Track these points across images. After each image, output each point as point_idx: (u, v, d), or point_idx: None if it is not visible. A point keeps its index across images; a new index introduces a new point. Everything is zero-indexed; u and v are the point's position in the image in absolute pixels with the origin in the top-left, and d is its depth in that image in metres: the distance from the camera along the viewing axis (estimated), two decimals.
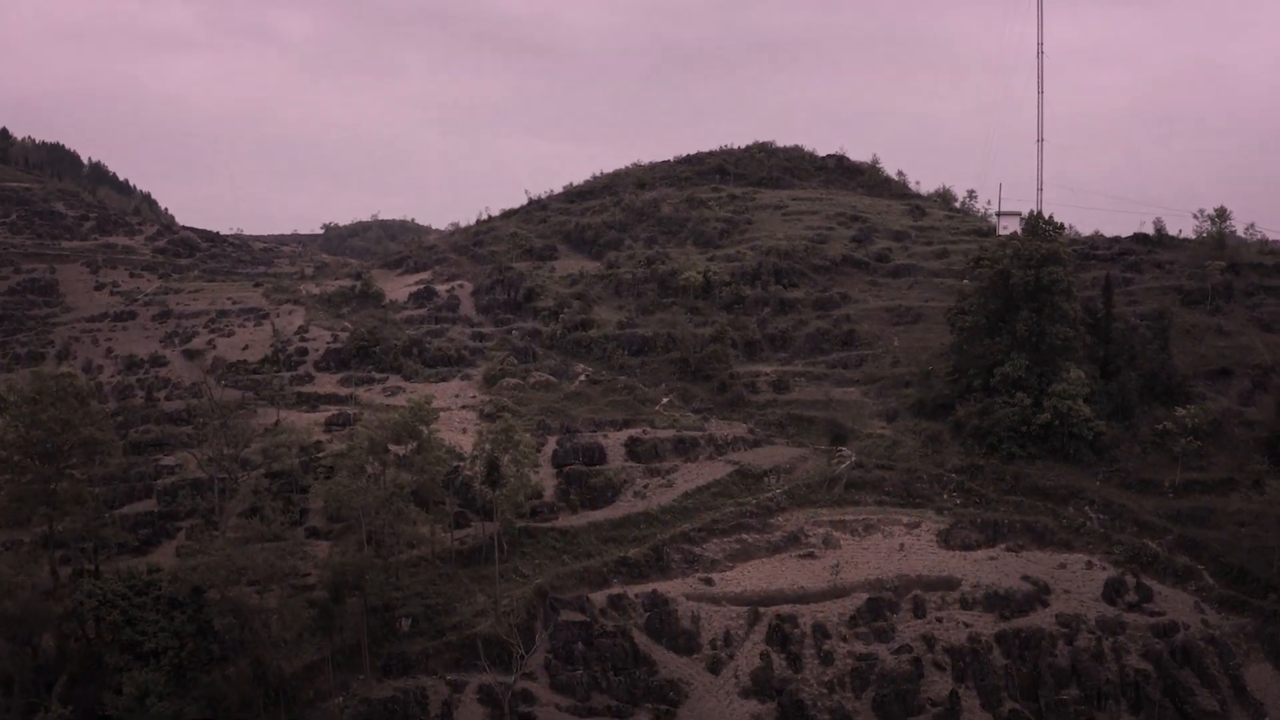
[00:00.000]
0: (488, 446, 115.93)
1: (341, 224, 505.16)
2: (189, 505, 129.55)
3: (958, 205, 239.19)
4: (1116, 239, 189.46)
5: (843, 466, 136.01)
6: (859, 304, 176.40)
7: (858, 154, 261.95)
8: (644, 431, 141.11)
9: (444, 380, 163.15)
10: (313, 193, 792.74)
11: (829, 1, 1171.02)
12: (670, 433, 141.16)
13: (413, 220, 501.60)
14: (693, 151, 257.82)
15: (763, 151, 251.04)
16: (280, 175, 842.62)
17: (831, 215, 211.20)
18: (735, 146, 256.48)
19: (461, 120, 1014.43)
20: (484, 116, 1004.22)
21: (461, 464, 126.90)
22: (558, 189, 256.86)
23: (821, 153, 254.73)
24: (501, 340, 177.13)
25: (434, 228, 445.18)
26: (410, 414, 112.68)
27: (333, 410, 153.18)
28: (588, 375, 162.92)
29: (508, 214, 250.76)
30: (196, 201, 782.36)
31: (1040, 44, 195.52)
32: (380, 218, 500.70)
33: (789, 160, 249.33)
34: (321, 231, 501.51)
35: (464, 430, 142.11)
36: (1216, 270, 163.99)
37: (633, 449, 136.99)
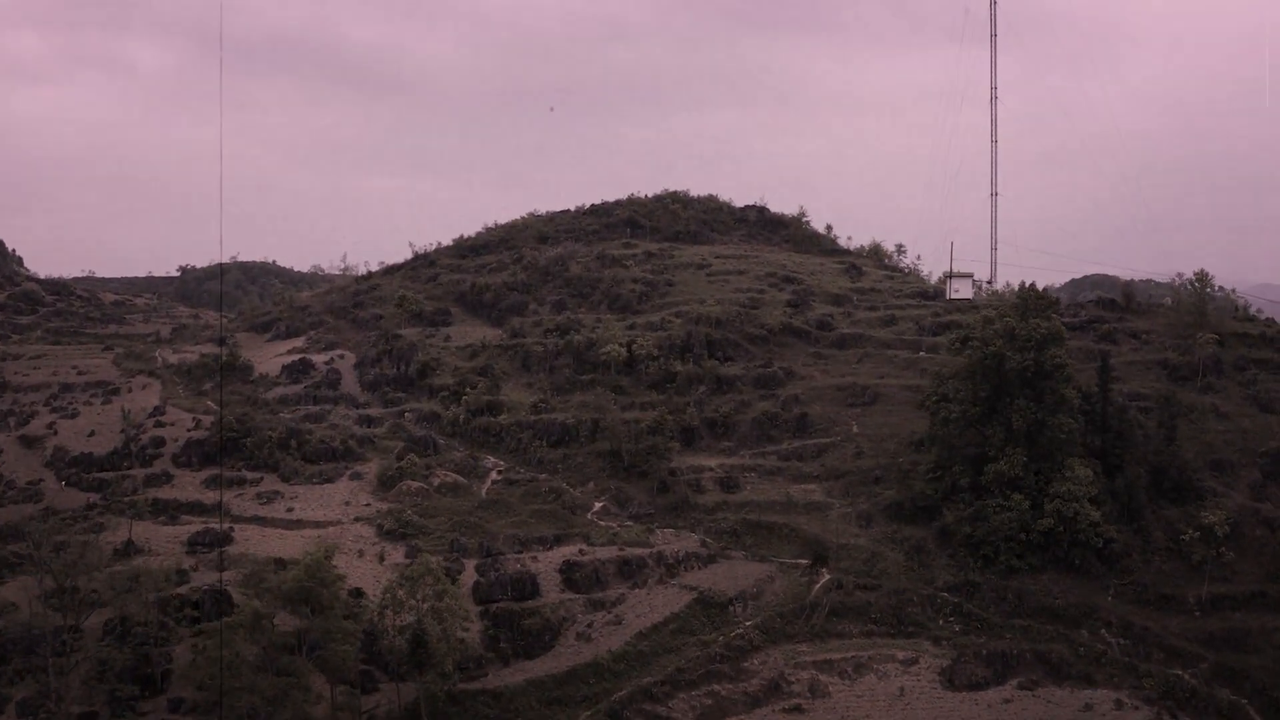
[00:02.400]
0: (400, 594, 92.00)
1: (199, 265, 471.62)
2: (20, 663, 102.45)
3: (888, 261, 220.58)
4: (1081, 305, 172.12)
5: (818, 587, 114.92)
6: (806, 381, 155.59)
7: (737, 195, 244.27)
8: (580, 551, 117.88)
9: (329, 481, 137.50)
10: (168, 231, 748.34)
11: (687, 41, 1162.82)
12: (611, 551, 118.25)
13: (274, 262, 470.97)
14: (587, 198, 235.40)
15: (676, 202, 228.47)
16: (134, 213, 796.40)
17: (761, 276, 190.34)
18: (644, 195, 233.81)
19: (317, 156, 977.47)
20: (340, 153, 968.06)
21: (366, 603, 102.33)
22: (445, 240, 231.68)
23: (738, 203, 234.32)
24: (394, 426, 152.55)
25: (296, 270, 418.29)
26: (305, 573, 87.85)
27: (197, 524, 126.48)
28: (501, 472, 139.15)
29: (390, 270, 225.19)
30: (47, 240, 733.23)
31: (994, 88, 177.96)
32: (239, 259, 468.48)
33: (705, 212, 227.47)
34: (178, 274, 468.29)
35: (360, 552, 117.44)
36: (1208, 343, 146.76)
37: (570, 575, 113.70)
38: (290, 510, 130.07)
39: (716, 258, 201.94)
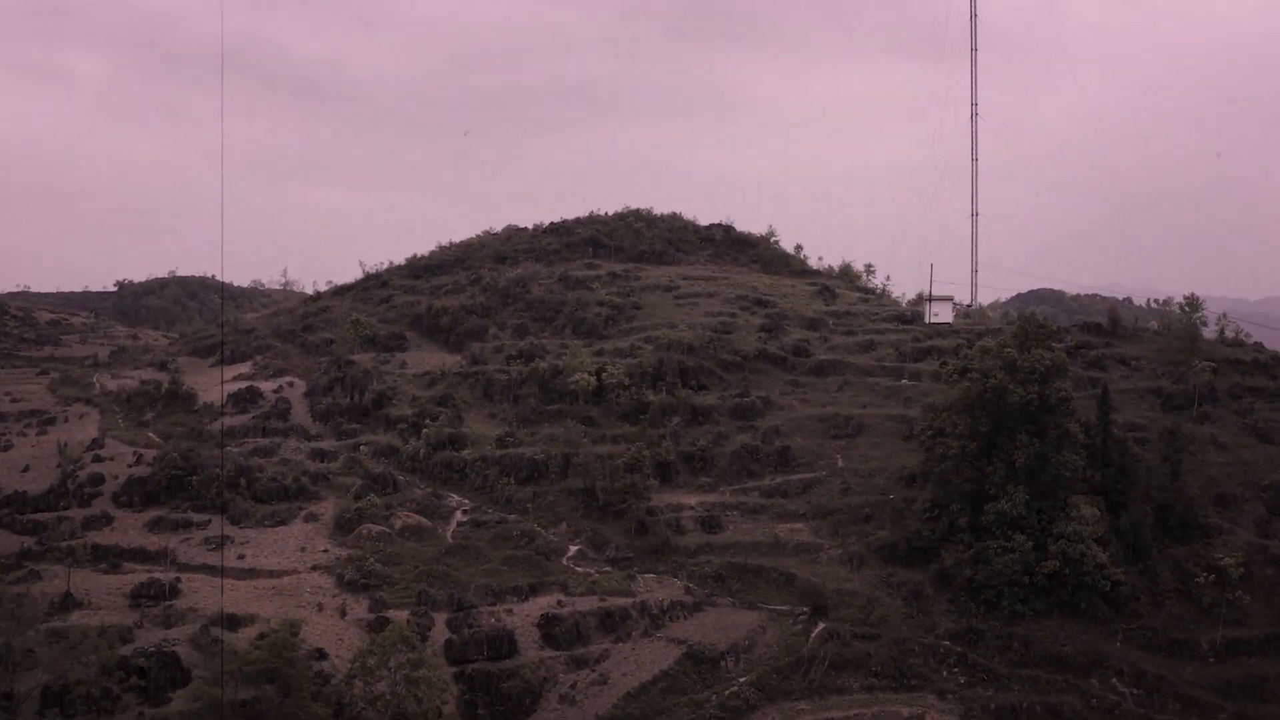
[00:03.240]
0: (371, 662, 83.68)
1: (137, 280, 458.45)
2: None
3: (860, 283, 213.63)
4: (1066, 330, 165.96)
5: (813, 637, 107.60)
6: (784, 411, 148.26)
7: (689, 209, 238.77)
8: (559, 602, 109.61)
9: (283, 523, 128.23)
10: (106, 244, 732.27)
11: (632, 53, 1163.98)
12: (592, 601, 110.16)
13: (213, 276, 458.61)
14: (539, 213, 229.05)
15: (640, 221, 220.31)
16: (71, 224, 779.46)
17: (732, 299, 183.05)
18: (605, 213, 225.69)
19: (256, 168, 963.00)
20: (278, 164, 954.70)
21: (328, 667, 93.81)
22: (394, 257, 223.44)
23: (703, 221, 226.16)
24: (349, 460, 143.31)
25: (236, 284, 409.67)
26: (270, 651, 79.25)
27: (142, 574, 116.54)
28: (467, 512, 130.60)
29: (340, 290, 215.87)
30: None
31: (974, 105, 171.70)
32: (179, 273, 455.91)
33: (669, 231, 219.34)
34: (115, 289, 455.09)
35: (320, 606, 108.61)
36: (1206, 371, 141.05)
37: (549, 630, 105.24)
38: (242, 557, 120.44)
39: (684, 279, 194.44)
